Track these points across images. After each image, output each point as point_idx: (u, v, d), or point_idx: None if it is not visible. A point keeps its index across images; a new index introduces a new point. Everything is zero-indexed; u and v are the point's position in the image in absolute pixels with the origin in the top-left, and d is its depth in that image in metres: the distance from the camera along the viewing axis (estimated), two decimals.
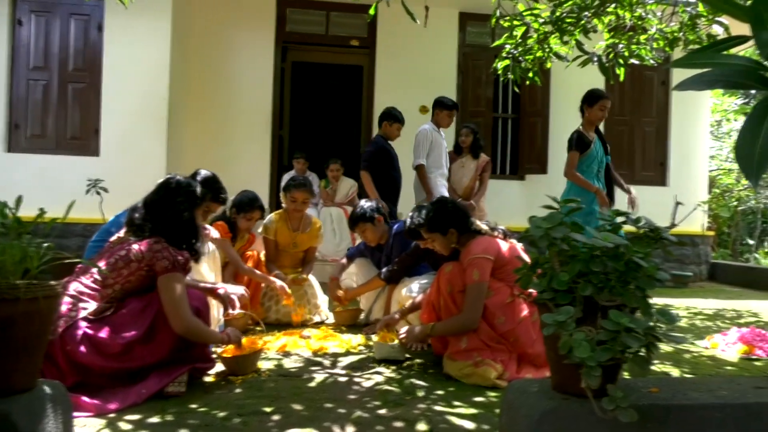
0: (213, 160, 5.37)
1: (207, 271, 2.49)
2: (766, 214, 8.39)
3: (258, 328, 2.66)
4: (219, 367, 2.06)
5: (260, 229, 3.20)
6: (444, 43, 5.99)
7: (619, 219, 1.25)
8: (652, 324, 1.07)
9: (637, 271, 1.15)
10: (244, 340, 2.04)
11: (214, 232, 2.54)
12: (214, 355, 2.01)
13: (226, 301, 2.01)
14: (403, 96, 5.93)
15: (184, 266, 1.76)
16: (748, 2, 1.01)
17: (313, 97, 8.18)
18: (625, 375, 1.37)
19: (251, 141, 5.69)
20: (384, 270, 2.92)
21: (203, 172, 2.55)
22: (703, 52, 1.19)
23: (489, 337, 2.08)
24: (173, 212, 1.85)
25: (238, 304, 2.10)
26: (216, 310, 2.33)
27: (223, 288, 2.14)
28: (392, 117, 4.06)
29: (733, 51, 1.17)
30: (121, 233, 1.92)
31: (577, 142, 3.67)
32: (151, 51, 4.94)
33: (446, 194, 4.27)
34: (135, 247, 1.79)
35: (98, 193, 4.47)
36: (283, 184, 5.64)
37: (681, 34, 3.96)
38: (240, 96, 5.64)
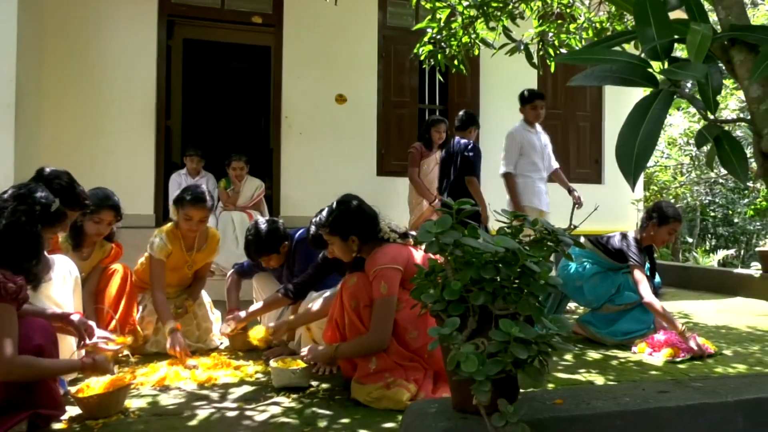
0: (80, 156, 5.06)
1: (63, 295, 2.33)
2: (704, 212, 9.39)
3: (132, 360, 2.55)
4: (75, 410, 1.95)
5: (148, 248, 2.99)
6: (362, 24, 6.08)
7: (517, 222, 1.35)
8: (543, 333, 1.18)
9: (531, 277, 1.25)
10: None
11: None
12: (68, 396, 1.89)
13: (80, 329, 1.91)
14: (317, 82, 5.95)
15: (15, 295, 1.65)
16: None
17: (210, 82, 7.95)
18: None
19: (129, 133, 5.42)
20: (288, 285, 2.90)
21: (52, 171, 2.23)
22: (594, 47, 1.34)
23: (401, 356, 2.15)
24: (11, 227, 1.73)
25: (96, 332, 2.01)
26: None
27: (78, 314, 2.02)
28: (478, 123, 4.69)
29: None
30: None
31: (636, 249, 3.28)
32: None
33: (545, 200, 4.34)
34: None
35: None
36: (171, 186, 5.46)
37: (609, 24, 4.36)
38: (113, 78, 5.36)
